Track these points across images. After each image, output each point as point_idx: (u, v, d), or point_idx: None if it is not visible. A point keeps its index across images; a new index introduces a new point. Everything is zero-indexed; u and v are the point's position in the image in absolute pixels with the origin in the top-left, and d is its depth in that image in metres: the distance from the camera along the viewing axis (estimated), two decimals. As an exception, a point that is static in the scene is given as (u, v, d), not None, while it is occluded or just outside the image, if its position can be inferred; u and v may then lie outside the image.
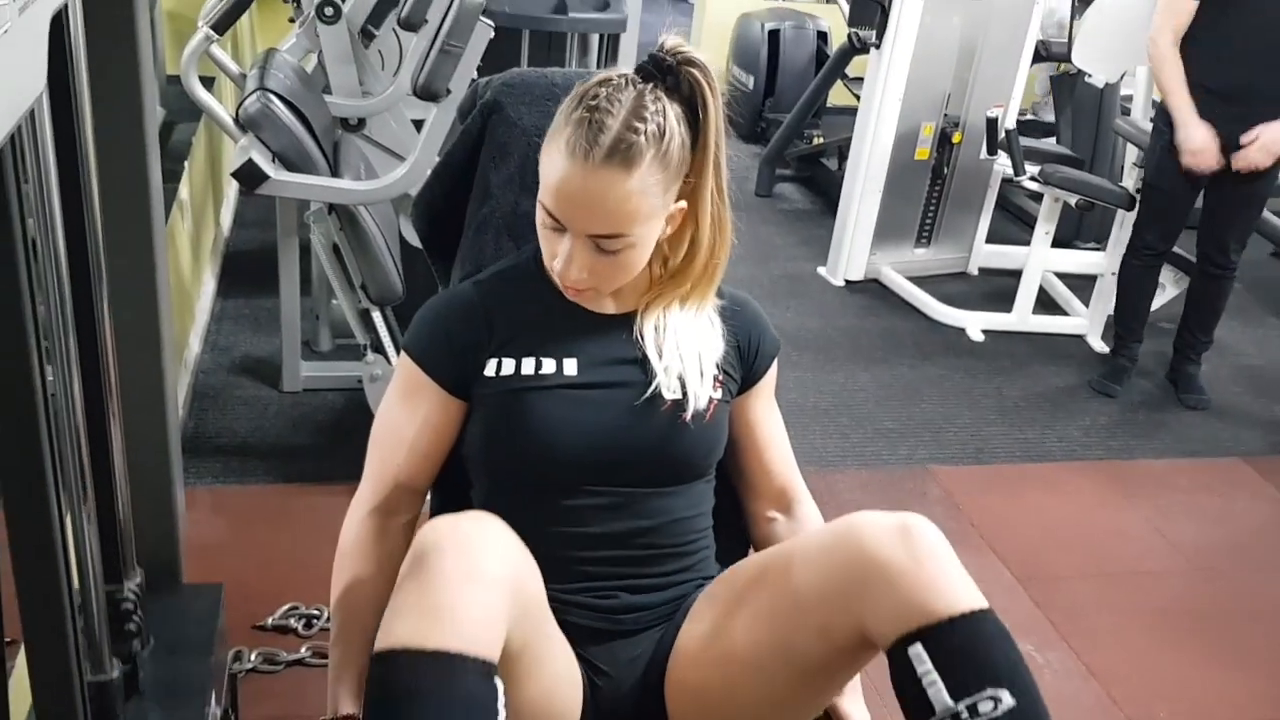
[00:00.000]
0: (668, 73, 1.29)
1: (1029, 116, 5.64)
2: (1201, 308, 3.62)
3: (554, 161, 1.26)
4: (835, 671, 1.30)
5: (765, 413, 1.51)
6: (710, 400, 1.38)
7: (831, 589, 1.21)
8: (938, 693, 1.12)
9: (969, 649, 1.13)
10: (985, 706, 1.11)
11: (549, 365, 1.36)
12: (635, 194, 1.25)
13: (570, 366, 1.36)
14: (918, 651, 1.13)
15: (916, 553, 1.17)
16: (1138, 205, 3.64)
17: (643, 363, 1.37)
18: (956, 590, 1.15)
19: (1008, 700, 1.11)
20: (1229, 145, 3.27)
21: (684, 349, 1.38)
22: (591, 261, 1.29)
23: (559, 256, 1.29)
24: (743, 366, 1.46)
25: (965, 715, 1.11)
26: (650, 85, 1.28)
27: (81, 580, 1.18)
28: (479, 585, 1.11)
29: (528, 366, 1.36)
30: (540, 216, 1.31)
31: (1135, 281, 3.65)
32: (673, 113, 1.27)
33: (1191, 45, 3.28)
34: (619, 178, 1.23)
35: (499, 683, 1.10)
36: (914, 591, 1.14)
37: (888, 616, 1.15)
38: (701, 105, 1.30)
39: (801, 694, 1.31)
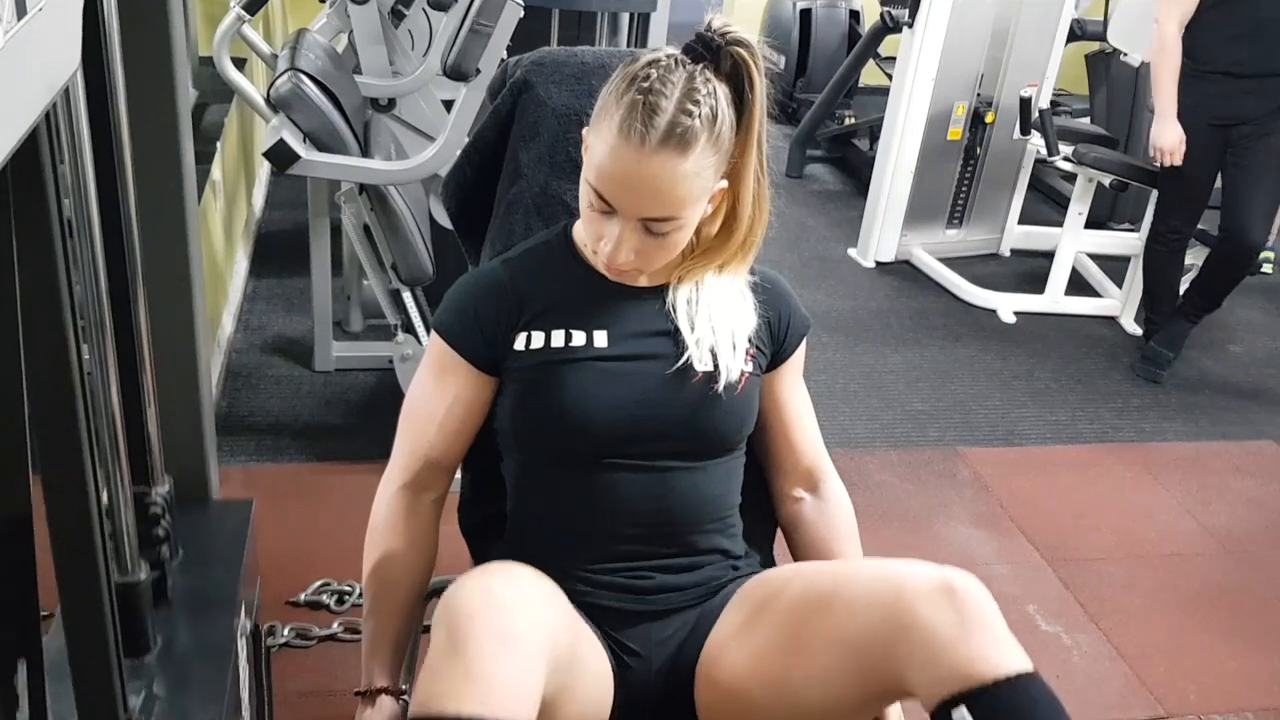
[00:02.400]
0: (716, 52, 1.28)
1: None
2: (1214, 282, 3.56)
3: (606, 144, 1.24)
4: (871, 709, 1.29)
5: (793, 391, 1.51)
6: (741, 373, 1.38)
7: (874, 642, 1.20)
8: None
9: (1015, 713, 1.12)
10: None
11: (579, 338, 1.36)
12: (689, 177, 1.25)
13: (601, 339, 1.36)
14: (962, 715, 1.11)
15: (963, 615, 1.15)
16: (1159, 190, 3.61)
17: (674, 335, 1.37)
18: (1003, 654, 1.13)
19: None
20: (1244, 121, 3.27)
21: (716, 321, 1.38)
22: (640, 244, 1.29)
23: (607, 240, 1.28)
24: (773, 343, 1.46)
25: None
26: (700, 66, 1.27)
27: (109, 481, 1.19)
28: (513, 650, 1.10)
29: (558, 339, 1.36)
30: (587, 198, 1.29)
31: (1162, 266, 3.62)
32: (722, 94, 1.27)
33: (1200, 26, 3.29)
34: (674, 161, 1.23)
35: None
36: (960, 654, 1.13)
37: (932, 677, 1.14)
38: (749, 84, 1.29)
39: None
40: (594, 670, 1.32)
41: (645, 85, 1.23)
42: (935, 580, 1.18)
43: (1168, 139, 3.37)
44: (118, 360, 1.21)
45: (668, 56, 1.27)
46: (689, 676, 1.37)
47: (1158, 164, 3.47)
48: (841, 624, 1.23)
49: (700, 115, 1.23)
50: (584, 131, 1.33)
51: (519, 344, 1.37)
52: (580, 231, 1.43)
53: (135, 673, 1.20)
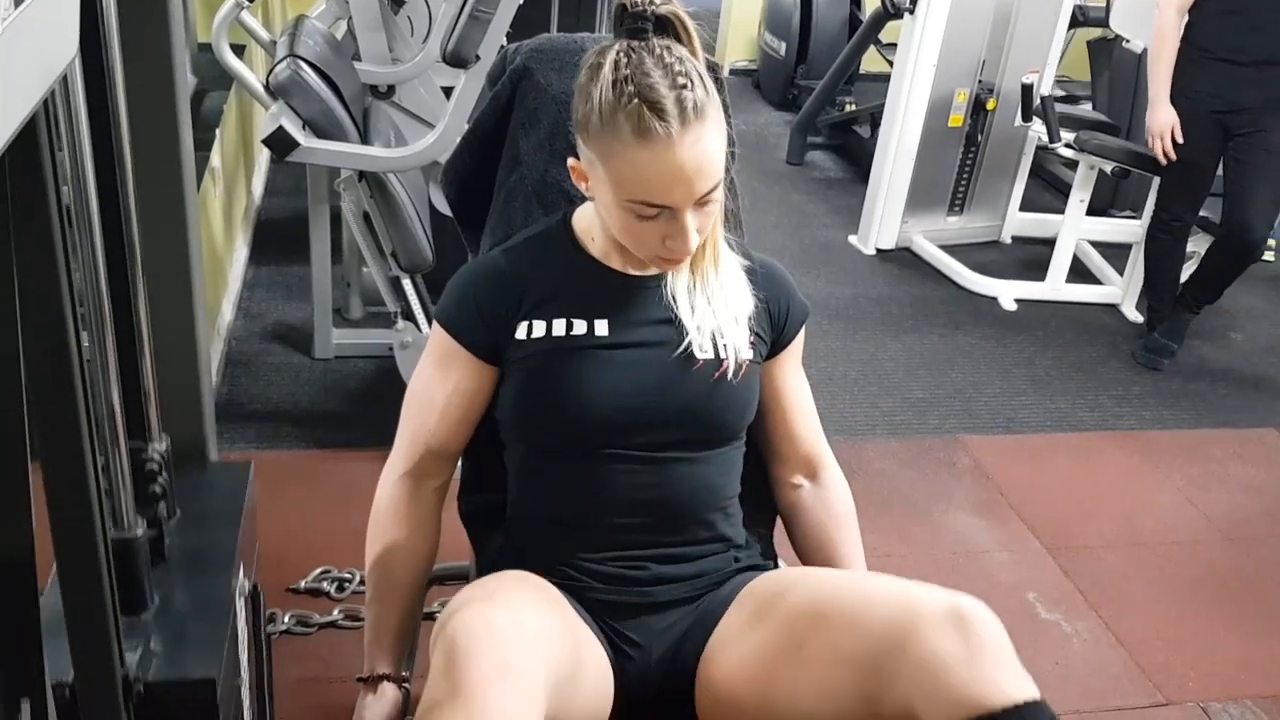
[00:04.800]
0: (657, 22, 1.27)
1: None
2: (1214, 275, 3.56)
3: (631, 160, 1.23)
4: None
5: (793, 379, 1.51)
6: (743, 362, 1.38)
7: (878, 661, 1.19)
8: None
9: None
10: None
11: (580, 326, 1.36)
12: (717, 136, 1.26)
13: (601, 327, 1.36)
14: None
15: (971, 642, 1.15)
16: (1161, 177, 3.61)
17: (674, 322, 1.37)
18: (1011, 683, 1.13)
19: None
20: (1243, 109, 3.27)
21: (716, 306, 1.38)
22: (699, 222, 1.28)
23: (673, 237, 1.27)
24: (773, 330, 1.46)
25: None
26: (650, 41, 1.26)
27: (104, 439, 1.18)
28: (512, 682, 1.10)
29: (558, 328, 1.36)
30: (631, 215, 1.27)
31: (1164, 253, 3.62)
32: (684, 53, 1.27)
33: (1202, 13, 3.29)
34: (700, 131, 1.23)
35: None
36: (968, 684, 1.12)
37: (939, 707, 1.13)
38: (686, 36, 1.29)
39: None
40: (594, 678, 1.31)
41: (631, 89, 1.22)
42: (945, 605, 1.18)
43: (1158, 121, 3.38)
44: (117, 348, 1.21)
45: (618, 51, 1.25)
46: (689, 671, 1.37)
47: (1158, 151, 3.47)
48: (845, 639, 1.23)
49: (692, 81, 1.23)
50: (574, 166, 1.32)
51: (520, 333, 1.37)
52: (581, 221, 1.44)
53: (132, 629, 1.19)
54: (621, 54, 1.25)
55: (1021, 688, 1.13)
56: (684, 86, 1.22)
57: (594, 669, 1.32)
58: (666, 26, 1.28)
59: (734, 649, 1.33)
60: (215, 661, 1.22)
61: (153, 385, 1.34)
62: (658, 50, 1.25)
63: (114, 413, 1.19)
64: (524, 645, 1.14)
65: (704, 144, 1.23)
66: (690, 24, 1.30)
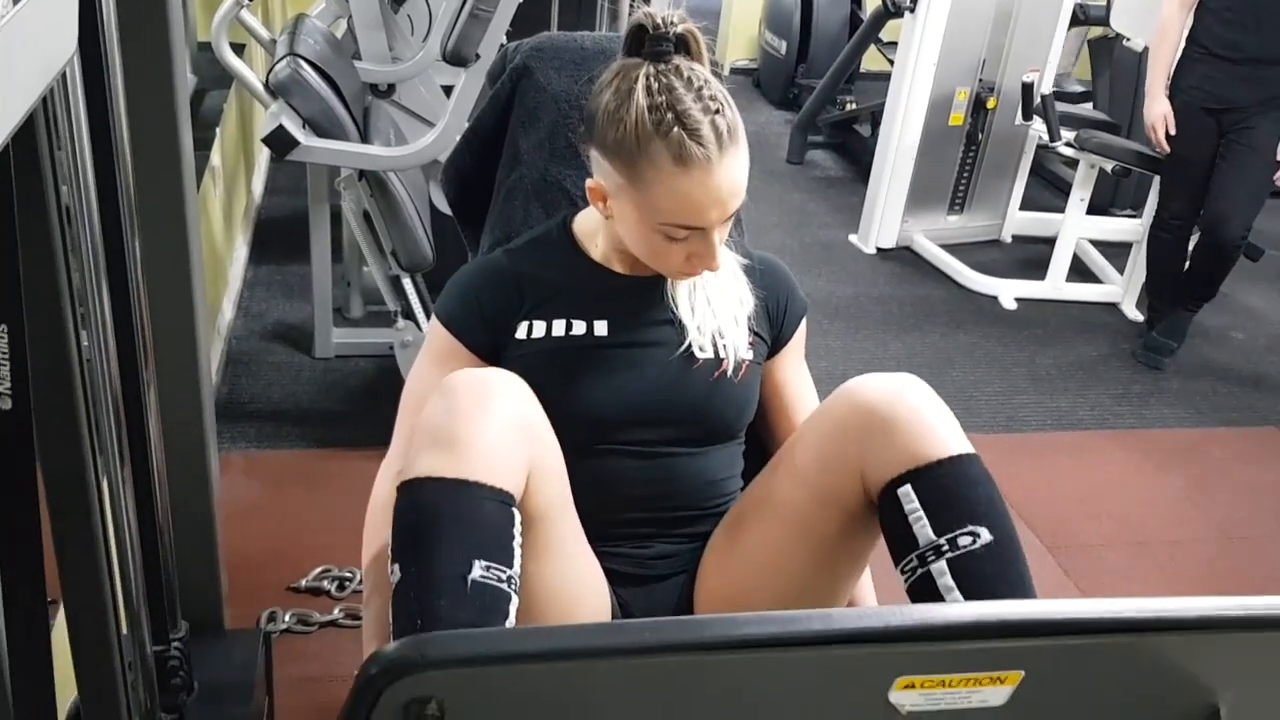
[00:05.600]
0: (677, 42, 1.29)
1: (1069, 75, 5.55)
2: (1202, 271, 3.55)
3: (674, 184, 1.24)
4: (850, 544, 1.33)
5: (794, 374, 1.51)
6: (743, 361, 1.39)
7: (832, 449, 1.27)
8: (922, 528, 1.19)
9: (953, 489, 1.20)
10: (964, 540, 1.17)
11: (579, 327, 1.37)
12: (745, 156, 1.28)
13: (601, 327, 1.37)
14: (906, 491, 1.20)
15: (912, 403, 1.23)
16: (1161, 176, 3.61)
17: (675, 322, 1.38)
18: (946, 437, 1.22)
19: (985, 536, 1.17)
20: (1236, 108, 3.27)
21: (716, 305, 1.40)
22: (724, 237, 1.32)
23: (701, 256, 1.30)
24: (772, 328, 1.47)
25: (946, 548, 1.17)
26: (673, 63, 1.27)
27: (132, 633, 1.26)
28: (494, 421, 1.15)
29: (558, 328, 1.37)
30: (660, 237, 1.29)
31: (1165, 252, 3.61)
32: (706, 73, 1.28)
33: (1203, 9, 3.29)
34: (735, 155, 1.26)
35: (517, 513, 1.15)
36: (908, 438, 1.21)
37: (882, 462, 1.22)
38: (698, 51, 1.31)
39: (823, 578, 1.34)
40: (585, 552, 1.33)
41: (670, 116, 1.23)
42: (889, 380, 1.27)
43: (1152, 112, 3.40)
44: (117, 348, 1.21)
45: (647, 75, 1.26)
46: (689, 611, 1.39)
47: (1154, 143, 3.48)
48: (806, 452, 1.31)
49: (721, 103, 1.26)
50: (593, 187, 1.33)
51: (520, 333, 1.37)
52: (583, 226, 1.45)
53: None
54: (651, 78, 1.25)
55: (957, 442, 1.22)
56: (717, 112, 1.24)
57: (582, 547, 1.33)
58: (681, 44, 1.29)
59: (717, 552, 1.38)
60: None
61: (173, 566, 1.39)
62: (685, 73, 1.26)
63: (139, 606, 1.26)
64: (508, 398, 1.19)
65: (738, 166, 1.26)
66: (703, 40, 1.31)
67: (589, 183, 1.34)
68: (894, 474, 1.21)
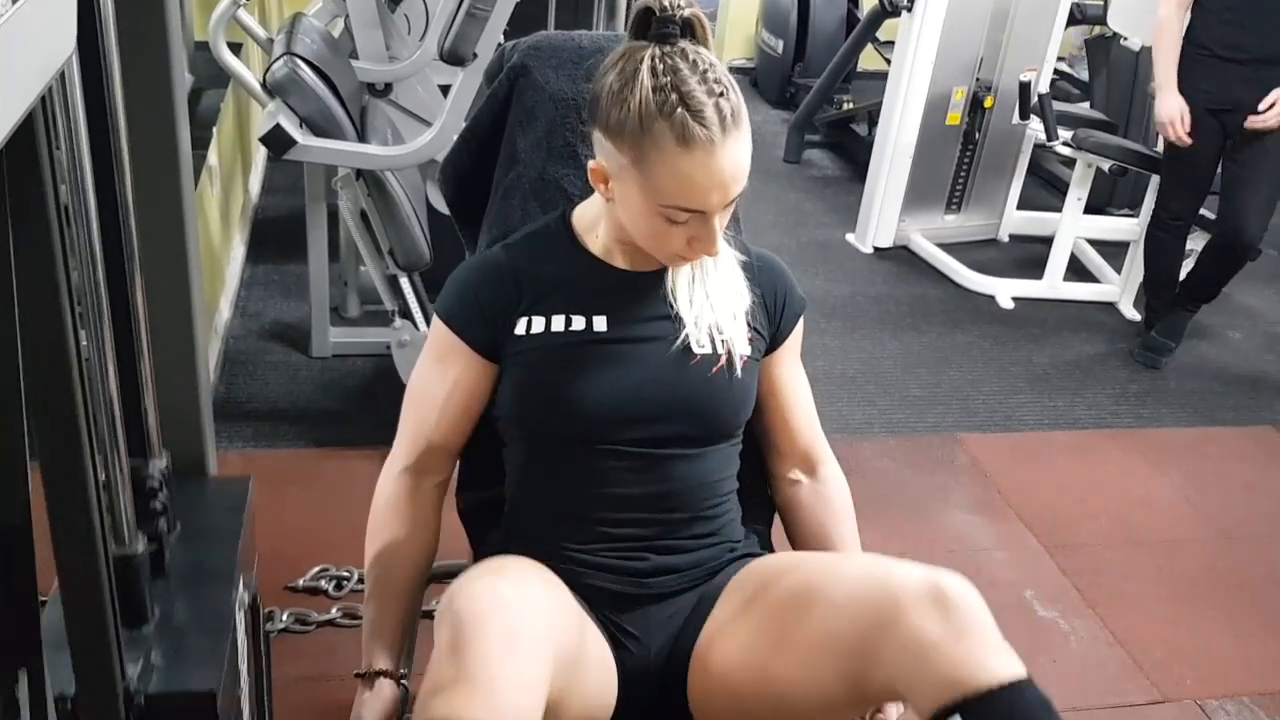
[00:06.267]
0: (682, 25, 1.27)
1: (1067, 69, 5.55)
2: (1210, 274, 3.56)
3: (676, 165, 1.23)
4: (859, 710, 1.30)
5: (791, 373, 1.51)
6: (740, 357, 1.38)
7: (861, 644, 1.19)
8: None
9: None
10: None
11: (579, 322, 1.37)
12: (748, 140, 1.27)
13: (600, 323, 1.37)
14: None
15: (955, 623, 1.14)
16: (1160, 175, 3.60)
17: (674, 318, 1.38)
18: (997, 661, 1.12)
19: None
20: (1239, 108, 3.26)
21: (715, 300, 1.39)
22: (722, 223, 1.30)
23: (700, 240, 1.29)
24: (770, 325, 1.46)
25: None
26: (677, 45, 1.26)
27: (106, 457, 1.18)
28: (518, 653, 1.10)
29: (557, 324, 1.37)
30: (662, 219, 1.27)
31: (1163, 252, 3.61)
32: (710, 55, 1.27)
33: (1203, 9, 3.29)
34: (738, 137, 1.24)
35: None
36: (953, 665, 1.12)
37: (926, 688, 1.13)
38: (703, 36, 1.30)
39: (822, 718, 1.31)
40: (598, 665, 1.32)
41: (674, 96, 1.22)
42: (924, 582, 1.17)
43: (1167, 108, 3.35)
44: (115, 346, 1.20)
45: (652, 57, 1.25)
46: (685, 663, 1.37)
47: (1163, 140, 3.45)
48: (828, 623, 1.23)
49: (726, 86, 1.25)
50: (595, 168, 1.31)
51: (520, 329, 1.37)
52: (582, 219, 1.44)
53: (133, 643, 1.20)
54: (657, 60, 1.24)
55: (1009, 665, 1.13)
56: (721, 94, 1.23)
57: (598, 659, 1.32)
58: (687, 28, 1.28)
59: (724, 638, 1.34)
60: (216, 673, 1.23)
61: (153, 406, 1.34)
62: (690, 56, 1.25)
63: (114, 424, 1.19)
64: (531, 618, 1.14)
65: (741, 150, 1.25)
66: (708, 25, 1.31)
67: (591, 164, 1.33)
68: (941, 703, 1.11)
